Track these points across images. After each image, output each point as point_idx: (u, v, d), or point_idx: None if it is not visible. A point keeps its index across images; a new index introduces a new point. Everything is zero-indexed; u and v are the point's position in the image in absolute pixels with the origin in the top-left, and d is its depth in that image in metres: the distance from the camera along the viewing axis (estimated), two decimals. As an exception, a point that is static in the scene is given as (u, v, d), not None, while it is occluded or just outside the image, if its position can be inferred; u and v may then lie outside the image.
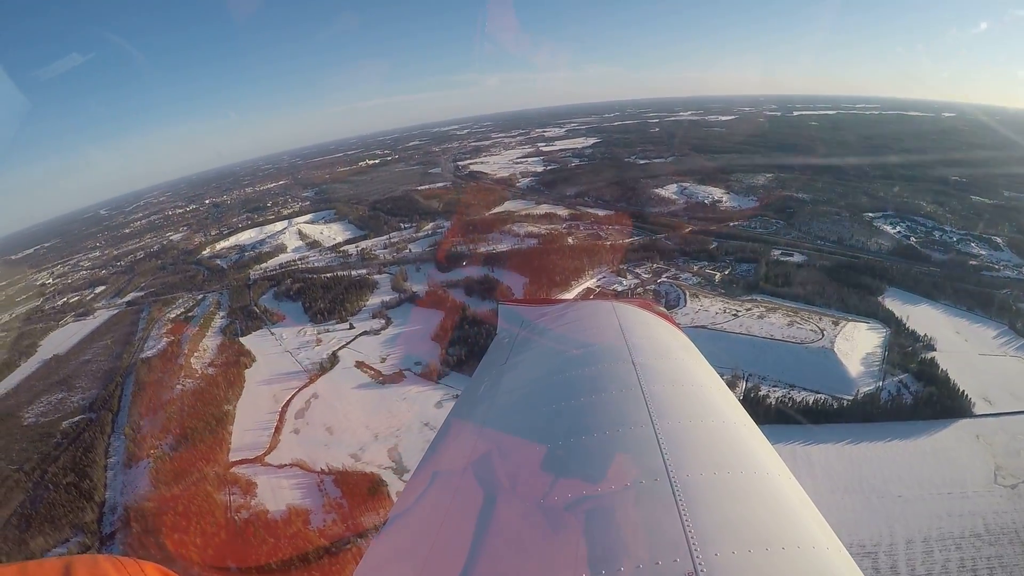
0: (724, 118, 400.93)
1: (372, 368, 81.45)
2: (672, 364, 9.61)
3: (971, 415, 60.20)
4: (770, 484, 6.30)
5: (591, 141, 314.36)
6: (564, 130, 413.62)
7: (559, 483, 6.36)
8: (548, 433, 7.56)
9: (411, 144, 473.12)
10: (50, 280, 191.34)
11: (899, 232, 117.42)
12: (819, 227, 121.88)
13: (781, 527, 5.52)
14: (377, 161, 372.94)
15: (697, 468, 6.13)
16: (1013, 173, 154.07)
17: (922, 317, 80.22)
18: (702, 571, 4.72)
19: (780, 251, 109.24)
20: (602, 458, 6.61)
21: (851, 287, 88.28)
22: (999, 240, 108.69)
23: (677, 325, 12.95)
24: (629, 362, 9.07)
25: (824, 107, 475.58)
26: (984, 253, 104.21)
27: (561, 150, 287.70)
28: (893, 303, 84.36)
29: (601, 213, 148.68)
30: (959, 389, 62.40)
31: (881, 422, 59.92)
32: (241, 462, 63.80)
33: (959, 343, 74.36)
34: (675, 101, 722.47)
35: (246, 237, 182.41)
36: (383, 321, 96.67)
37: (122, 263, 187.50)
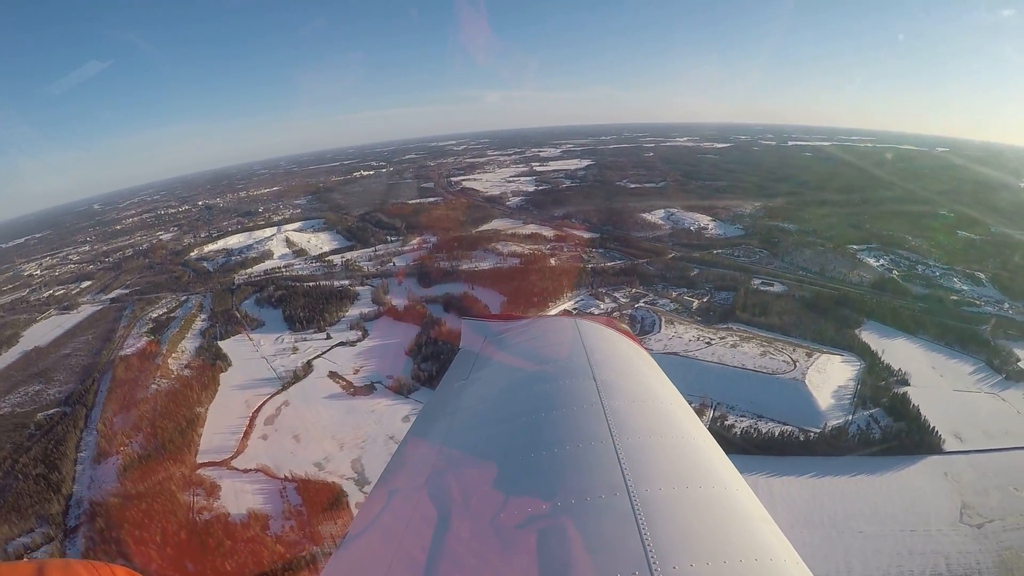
0: (719, 145, 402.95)
1: (344, 379, 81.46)
2: (633, 381, 9.63)
3: (940, 452, 60.08)
4: (729, 498, 6.30)
5: (585, 163, 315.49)
6: (560, 151, 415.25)
7: (518, 500, 6.31)
8: (508, 449, 7.55)
9: (407, 157, 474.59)
10: (38, 271, 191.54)
11: (882, 265, 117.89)
12: (802, 258, 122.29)
13: (740, 540, 5.56)
14: (372, 172, 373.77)
15: (656, 483, 6.12)
16: (1001, 208, 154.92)
17: (899, 351, 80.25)
18: None
19: (760, 280, 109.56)
20: (561, 474, 6.56)
21: (829, 319, 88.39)
22: (982, 275, 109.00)
23: (639, 342, 12.95)
24: (590, 378, 9.02)
25: (819, 138, 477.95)
26: (966, 288, 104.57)
27: (554, 171, 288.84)
28: (870, 336, 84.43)
29: (586, 235, 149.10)
30: (929, 425, 62.25)
31: (848, 456, 59.60)
32: (208, 464, 64.32)
33: (934, 378, 74.32)
34: (673, 127, 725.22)
35: (235, 241, 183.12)
36: (360, 333, 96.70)
37: (110, 259, 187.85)
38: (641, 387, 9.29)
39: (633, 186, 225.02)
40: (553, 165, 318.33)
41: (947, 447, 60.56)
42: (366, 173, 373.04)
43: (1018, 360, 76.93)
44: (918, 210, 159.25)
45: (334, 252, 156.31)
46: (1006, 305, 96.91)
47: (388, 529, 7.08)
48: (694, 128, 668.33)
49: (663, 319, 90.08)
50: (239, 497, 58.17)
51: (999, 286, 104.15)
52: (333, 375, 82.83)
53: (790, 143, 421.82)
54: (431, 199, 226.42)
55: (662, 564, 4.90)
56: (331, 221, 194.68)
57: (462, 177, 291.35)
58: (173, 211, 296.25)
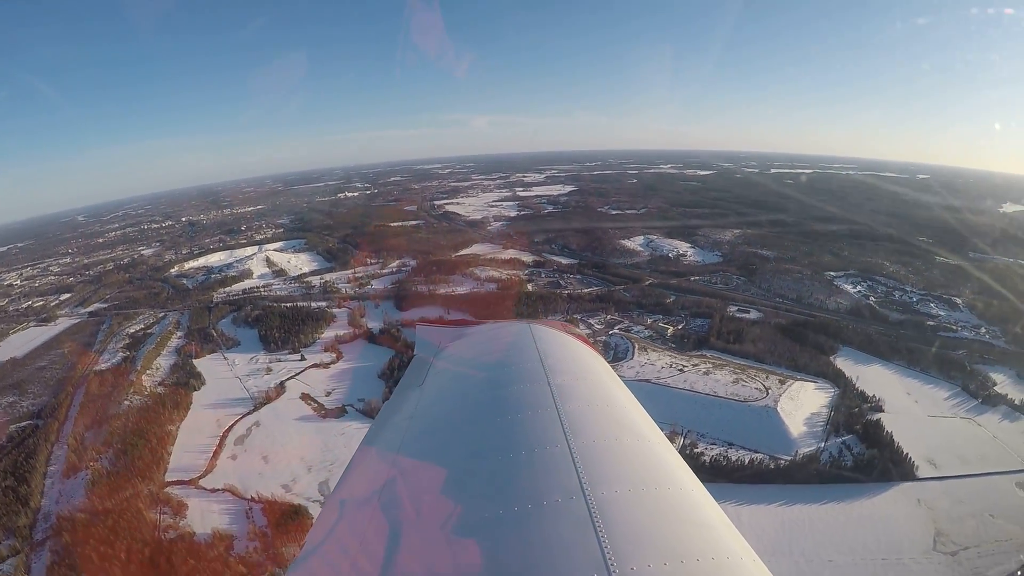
0: (702, 173, 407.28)
1: (316, 401, 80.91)
2: (588, 384, 9.55)
3: (914, 478, 59.81)
4: (685, 498, 6.33)
5: (568, 189, 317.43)
6: (544, 176, 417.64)
7: (473, 506, 6.30)
8: (462, 456, 7.54)
9: (392, 179, 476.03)
10: (18, 282, 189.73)
11: (859, 292, 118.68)
12: (780, 284, 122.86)
13: (697, 539, 5.58)
14: (356, 194, 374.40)
15: (612, 485, 6.09)
16: (981, 234, 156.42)
17: (874, 377, 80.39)
18: None
19: (737, 307, 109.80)
20: (517, 479, 6.53)
21: (804, 346, 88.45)
22: (958, 301, 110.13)
23: (593, 346, 12.93)
24: (545, 383, 9.03)
25: (802, 166, 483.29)
26: (943, 314, 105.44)
27: (537, 196, 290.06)
28: (845, 363, 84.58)
29: (564, 261, 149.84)
30: (903, 452, 62.08)
31: (819, 484, 59.20)
32: (176, 483, 63.76)
33: (909, 404, 74.37)
34: (657, 153, 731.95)
35: (216, 259, 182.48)
36: (334, 355, 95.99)
37: (91, 272, 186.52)
38: (596, 390, 9.25)
39: (615, 212, 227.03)
40: (536, 190, 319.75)
41: (921, 473, 60.35)
42: (351, 194, 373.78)
43: (994, 385, 77.44)
44: (898, 234, 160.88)
45: (314, 273, 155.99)
46: (983, 330, 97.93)
47: (343, 542, 7.01)
48: (679, 155, 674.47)
49: (636, 346, 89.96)
50: (205, 516, 57.66)
51: (976, 311, 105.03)
52: (305, 397, 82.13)
53: (773, 170, 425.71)
54: (413, 222, 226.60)
55: (620, 566, 4.92)
56: (312, 242, 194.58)
57: (445, 201, 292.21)
58: (156, 226, 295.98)
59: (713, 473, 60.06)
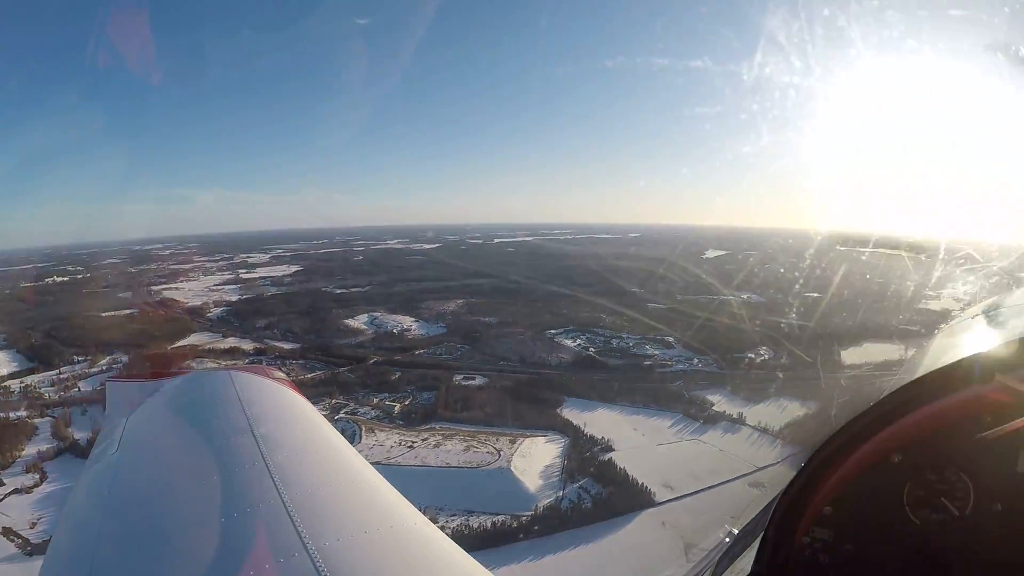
0: (428, 246, 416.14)
1: (20, 536, 68.47)
2: (295, 431, 9.17)
3: (654, 504, 63.18)
4: (416, 535, 6.04)
5: (293, 269, 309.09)
6: (269, 256, 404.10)
7: None
8: (165, 530, 6.57)
9: (107, 262, 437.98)
10: None
11: (579, 345, 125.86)
12: (503, 348, 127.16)
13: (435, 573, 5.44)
14: (67, 278, 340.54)
15: (335, 533, 5.58)
16: (687, 278, 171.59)
17: (601, 421, 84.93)
18: None
19: (463, 375, 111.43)
20: (229, 545, 5.68)
21: (531, 403, 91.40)
22: (671, 339, 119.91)
23: (297, 389, 11.80)
24: (249, 434, 8.17)
25: (524, 234, 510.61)
26: (658, 352, 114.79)
27: (261, 278, 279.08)
28: (572, 412, 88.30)
29: (287, 347, 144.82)
30: (639, 482, 65.61)
31: (565, 531, 60.80)
32: None
33: (637, 438, 79.29)
34: (387, 229, 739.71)
35: None
36: (37, 476, 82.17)
37: None
38: (305, 437, 8.91)
39: (339, 291, 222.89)
40: (261, 271, 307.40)
41: (659, 498, 64.45)
42: (60, 279, 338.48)
43: (712, 405, 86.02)
44: (613, 288, 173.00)
45: (12, 376, 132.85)
46: (695, 360, 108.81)
47: None
48: (408, 230, 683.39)
49: (363, 428, 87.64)
50: None
51: (687, 346, 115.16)
52: (7, 531, 69.13)
53: (496, 240, 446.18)
54: (128, 311, 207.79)
55: None
56: (12, 337, 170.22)
57: (164, 286, 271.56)
58: None
59: (457, 543, 58.63)
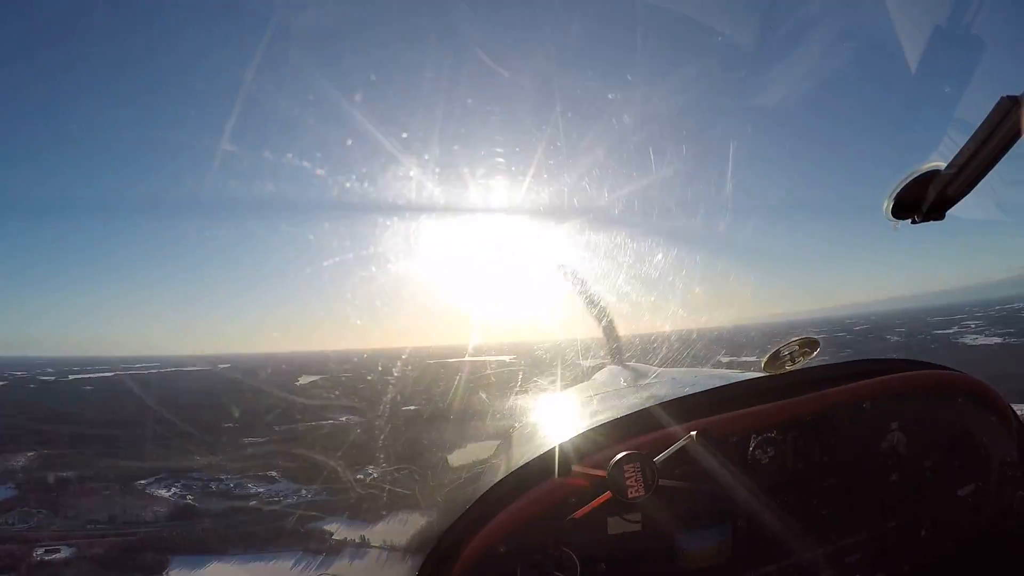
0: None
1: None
2: None
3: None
4: None
5: None
6: None
7: None
8: None
9: None
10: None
11: (174, 494, 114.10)
12: (89, 507, 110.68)
13: None
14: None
15: None
16: (281, 408, 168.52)
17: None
18: None
19: (44, 548, 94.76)
20: None
21: (132, 572, 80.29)
22: (274, 474, 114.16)
23: None
24: None
25: (103, 369, 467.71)
26: (263, 490, 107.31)
27: None
28: (181, 572, 78.83)
29: None
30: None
31: None
32: None
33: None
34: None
35: None
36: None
37: None
38: None
39: None
40: None
41: None
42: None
43: (332, 535, 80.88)
44: (203, 425, 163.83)
45: None
46: (303, 492, 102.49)
47: None
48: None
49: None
50: None
51: (291, 478, 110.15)
52: None
53: (71, 376, 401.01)
54: None
55: None
56: None
57: None
58: None
59: None
